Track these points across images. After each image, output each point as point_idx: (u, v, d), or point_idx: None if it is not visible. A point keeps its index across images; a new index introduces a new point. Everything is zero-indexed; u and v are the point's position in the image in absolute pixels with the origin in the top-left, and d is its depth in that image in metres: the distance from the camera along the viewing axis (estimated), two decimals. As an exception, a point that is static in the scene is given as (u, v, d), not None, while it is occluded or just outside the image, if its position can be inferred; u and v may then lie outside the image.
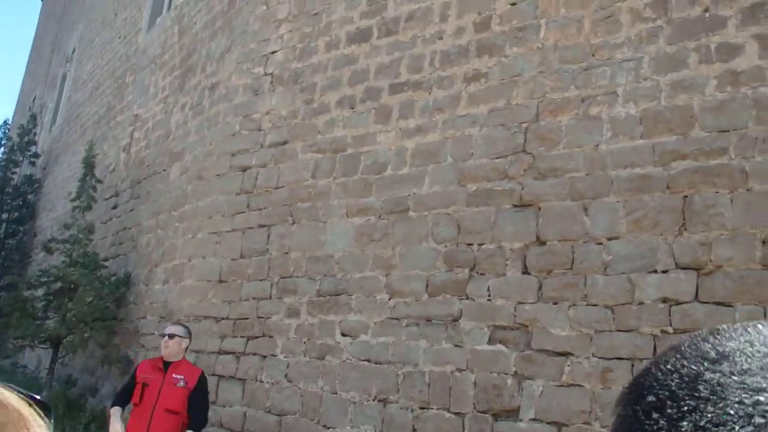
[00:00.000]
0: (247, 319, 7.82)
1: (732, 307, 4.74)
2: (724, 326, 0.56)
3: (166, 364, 5.52)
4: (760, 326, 0.55)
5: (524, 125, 6.09)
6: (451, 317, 6.11)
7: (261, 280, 7.80)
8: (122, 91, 14.85)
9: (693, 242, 4.96)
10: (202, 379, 5.60)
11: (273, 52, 8.66)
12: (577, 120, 5.78)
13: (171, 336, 5.56)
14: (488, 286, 5.96)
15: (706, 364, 0.51)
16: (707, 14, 5.31)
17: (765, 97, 4.90)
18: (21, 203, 21.17)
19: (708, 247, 4.89)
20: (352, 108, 7.51)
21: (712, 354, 0.52)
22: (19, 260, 20.52)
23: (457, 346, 6.01)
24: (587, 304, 5.37)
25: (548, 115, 5.97)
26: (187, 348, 5.75)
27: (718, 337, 0.54)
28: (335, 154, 7.51)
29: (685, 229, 5.01)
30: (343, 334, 6.88)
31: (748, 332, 0.54)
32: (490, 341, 5.81)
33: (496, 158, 6.18)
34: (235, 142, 8.70)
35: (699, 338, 0.55)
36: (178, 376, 5.45)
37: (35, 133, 22.41)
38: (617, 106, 5.57)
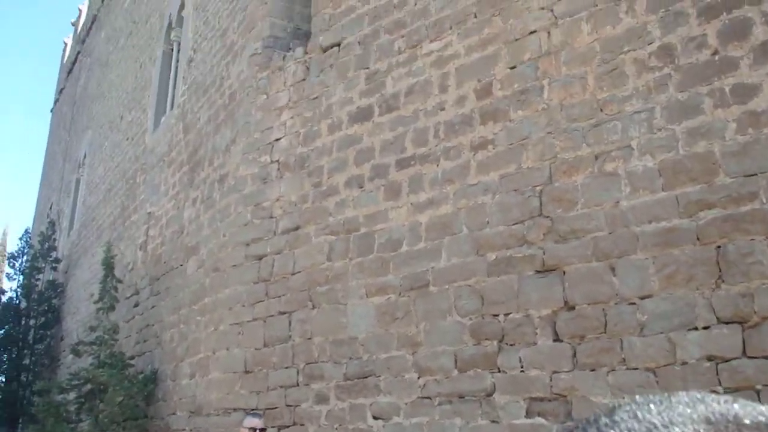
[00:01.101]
0: (276, 408, 7.61)
1: (783, 358, 4.46)
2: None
3: None
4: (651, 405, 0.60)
5: (538, 188, 5.92)
6: (485, 392, 5.85)
7: (286, 368, 7.61)
8: (134, 191, 14.92)
9: (733, 294, 4.70)
10: None
11: (277, 140, 8.63)
12: (593, 178, 5.60)
13: (262, 430, 5.71)
14: (520, 357, 5.71)
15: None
16: (717, 57, 5.17)
17: (789, 135, 4.72)
18: (46, 308, 21.31)
19: (750, 298, 4.63)
20: (361, 187, 7.40)
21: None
22: (49, 364, 20.54)
23: (493, 422, 5.73)
24: (627, 368, 5.10)
25: (562, 176, 5.80)
26: None
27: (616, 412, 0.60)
28: (349, 234, 7.37)
29: (723, 281, 4.76)
30: (374, 417, 6.64)
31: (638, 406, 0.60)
32: (528, 414, 5.54)
33: (513, 224, 6.00)
34: (248, 232, 8.60)
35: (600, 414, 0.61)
36: None
37: (55, 239, 22.68)
38: (633, 159, 5.40)
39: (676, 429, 0.55)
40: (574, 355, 5.38)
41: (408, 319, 6.57)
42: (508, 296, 5.87)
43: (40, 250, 22.13)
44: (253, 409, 7.35)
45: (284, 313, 7.80)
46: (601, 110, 5.73)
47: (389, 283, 6.83)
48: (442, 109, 6.90)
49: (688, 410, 0.58)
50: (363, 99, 7.75)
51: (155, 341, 11.57)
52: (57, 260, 22.23)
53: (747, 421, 0.57)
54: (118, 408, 10.96)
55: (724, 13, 5.22)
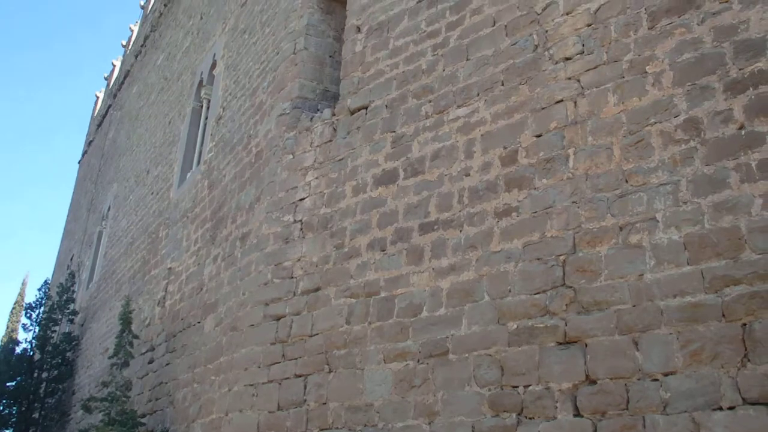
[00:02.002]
0: (288, 473, 7.43)
1: (810, 441, 4.32)
2: None
3: None
4: None
5: (561, 258, 5.87)
6: (502, 465, 5.69)
7: (300, 433, 7.46)
8: (156, 246, 15.00)
9: (759, 374, 4.58)
10: None
11: (301, 200, 8.67)
12: (617, 249, 5.55)
13: None
14: (539, 431, 5.56)
15: None
16: (743, 131, 5.16)
17: (817, 213, 4.66)
18: (60, 361, 21.18)
19: (776, 378, 4.51)
20: (383, 251, 7.38)
21: None
22: (58, 419, 20.36)
23: (510, 496, 5.57)
24: (649, 446, 4.95)
25: (586, 246, 5.75)
26: None
27: None
28: (369, 298, 7.31)
29: (749, 360, 4.64)
30: (389, 487, 6.46)
31: None
32: (547, 491, 5.38)
33: (536, 294, 5.93)
34: (268, 291, 8.57)
35: None
36: None
37: (73, 291, 22.72)
38: (658, 232, 5.35)
39: None
40: (595, 430, 5.23)
41: (426, 387, 6.45)
42: (528, 367, 5.76)
43: (58, 302, 22.13)
44: None
45: (300, 376, 7.70)
46: (627, 181, 5.71)
47: (408, 349, 6.74)
48: (467, 175, 6.91)
49: None
50: (388, 162, 7.79)
51: (168, 399, 11.45)
52: (74, 312, 22.20)
53: None
54: (127, 468, 10.83)
55: (751, 89, 5.25)
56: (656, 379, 5.02)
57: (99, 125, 29.98)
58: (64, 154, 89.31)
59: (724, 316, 4.83)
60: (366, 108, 8.43)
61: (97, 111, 32.38)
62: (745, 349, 4.67)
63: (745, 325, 4.72)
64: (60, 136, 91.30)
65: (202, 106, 15.47)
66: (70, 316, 22.19)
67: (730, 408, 4.65)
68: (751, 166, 5.05)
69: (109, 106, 28.53)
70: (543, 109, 6.54)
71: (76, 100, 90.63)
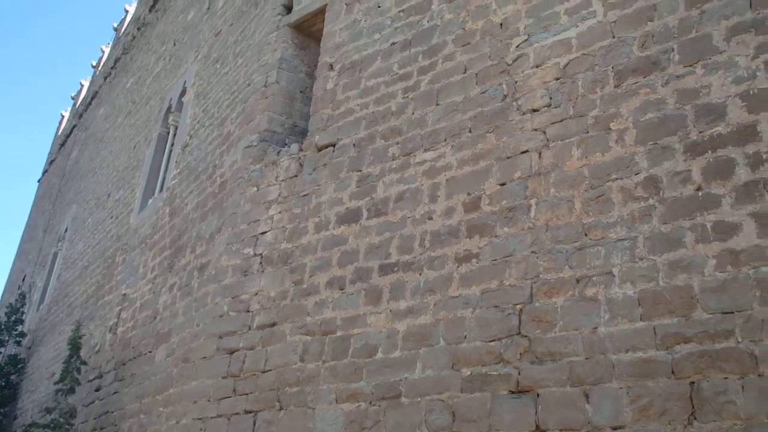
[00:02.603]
0: None
1: (751, 501, 4.37)
2: None
3: None
4: None
5: (518, 306, 5.91)
6: None
7: (247, 470, 7.33)
8: (111, 271, 14.77)
9: (705, 433, 4.65)
10: None
11: (263, 233, 8.64)
12: (573, 301, 5.61)
13: None
14: (487, 479, 5.56)
15: None
16: (700, 193, 5.29)
17: (768, 277, 4.76)
18: (3, 384, 20.60)
19: (721, 438, 4.57)
20: (342, 289, 7.37)
21: None
22: (-1, 443, 19.74)
23: None
24: (595, 499, 4.97)
25: (543, 296, 5.81)
26: None
27: None
28: (324, 336, 7.28)
29: (695, 419, 4.70)
30: None
31: None
32: None
33: (491, 341, 5.95)
34: (223, 324, 8.48)
35: None
36: None
37: (23, 312, 22.25)
38: (614, 286, 5.43)
39: None
40: (543, 481, 5.25)
41: (376, 430, 6.40)
42: (480, 414, 5.75)
43: (5, 323, 21.65)
44: None
45: (250, 411, 7.59)
46: (586, 234, 5.79)
47: (361, 390, 6.70)
48: (430, 219, 6.96)
49: None
50: (353, 201, 7.82)
51: (113, 429, 11.16)
52: (22, 334, 21.71)
53: None
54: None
55: (709, 152, 5.37)
56: (605, 433, 5.06)
57: (62, 145, 29.67)
58: (24, 173, 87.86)
59: (673, 373, 4.90)
60: (334, 145, 8.48)
61: (61, 130, 32.04)
62: (693, 407, 4.73)
63: (693, 383, 4.79)
64: (22, 152, 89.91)
65: (168, 133, 15.41)
66: (17, 338, 21.70)
67: (676, 465, 4.70)
68: (707, 227, 5.17)
69: (74, 126, 28.26)
70: (508, 158, 6.63)
71: (40, 117, 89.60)
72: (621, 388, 5.09)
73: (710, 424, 4.64)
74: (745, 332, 4.71)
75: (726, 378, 4.68)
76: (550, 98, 6.58)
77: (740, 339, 4.72)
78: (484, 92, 7.16)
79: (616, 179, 5.80)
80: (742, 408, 4.56)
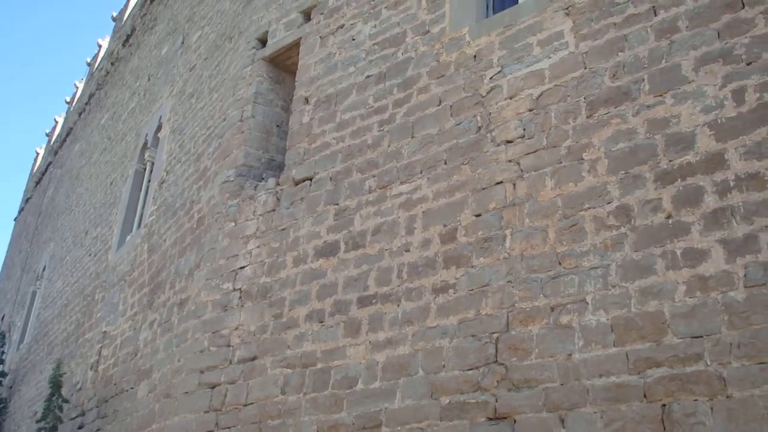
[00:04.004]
0: None
1: None
2: None
3: None
4: None
5: (495, 335, 6.01)
6: None
7: (230, 506, 7.34)
8: (91, 309, 14.71)
9: (677, 455, 4.75)
10: None
11: (242, 268, 8.69)
12: (548, 329, 5.72)
13: None
14: (469, 507, 5.62)
15: None
16: (670, 221, 5.43)
17: (735, 301, 4.90)
18: (-15, 426, 20.41)
19: (693, 459, 4.68)
20: (321, 322, 7.43)
21: None
22: (-21, 487, 19.47)
23: None
24: None
25: (518, 325, 5.91)
26: None
27: None
28: (305, 368, 7.33)
29: (667, 441, 4.82)
30: None
31: None
32: None
33: (468, 370, 6.04)
34: (204, 359, 8.50)
35: None
36: None
37: (3, 352, 22.05)
38: (587, 314, 5.55)
39: None
40: (523, 507, 5.32)
41: (358, 460, 6.46)
42: (459, 442, 5.84)
43: (-14, 364, 21.50)
44: None
45: (232, 445, 7.62)
46: (560, 263, 5.92)
47: (342, 420, 6.75)
48: (407, 251, 7.06)
49: None
50: (330, 234, 7.91)
51: (97, 466, 11.14)
52: (3, 374, 21.55)
53: None
54: None
55: (679, 180, 5.52)
56: (581, 458, 5.15)
57: (38, 182, 29.53)
58: (1, 211, 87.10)
59: (645, 396, 5.01)
60: (311, 179, 8.58)
61: (36, 168, 31.91)
62: (664, 429, 4.84)
63: (664, 405, 4.90)
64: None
65: (145, 169, 15.43)
66: (-2, 378, 21.55)
67: (650, 487, 4.79)
68: (677, 254, 5.30)
69: (49, 164, 28.16)
70: (483, 189, 6.76)
71: (15, 154, 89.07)
72: (595, 412, 5.19)
73: (682, 446, 4.75)
74: (714, 355, 4.84)
75: (696, 400, 4.80)
76: (524, 129, 6.73)
77: (709, 362, 4.84)
78: (458, 124, 7.30)
79: (589, 208, 5.94)
80: (711, 429, 4.67)
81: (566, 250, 5.93)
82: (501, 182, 6.67)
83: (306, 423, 7.04)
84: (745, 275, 4.94)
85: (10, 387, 20.78)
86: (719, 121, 5.51)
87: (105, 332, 13.07)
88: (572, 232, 5.97)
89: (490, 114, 7.09)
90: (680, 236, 5.35)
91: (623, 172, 5.87)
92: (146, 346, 10.64)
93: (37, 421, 12.89)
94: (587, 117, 6.33)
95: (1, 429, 20.12)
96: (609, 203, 5.84)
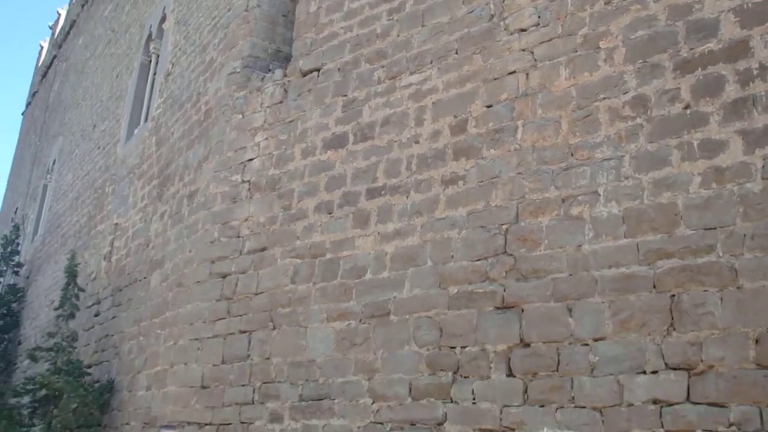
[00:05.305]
0: (230, 424, 7.57)
1: (726, 407, 4.56)
2: None
3: None
4: None
5: (504, 227, 6.01)
6: (436, 421, 5.90)
7: (243, 386, 7.59)
8: (102, 201, 14.80)
9: (683, 342, 4.81)
10: None
11: (250, 160, 8.65)
12: (558, 220, 5.71)
13: None
14: (473, 390, 5.76)
15: None
16: (688, 111, 5.31)
17: (751, 193, 4.84)
18: (5, 312, 20.99)
19: (698, 347, 4.74)
20: (330, 213, 7.45)
21: None
22: (4, 368, 20.21)
23: (442, 450, 5.77)
24: (575, 407, 5.18)
25: (528, 216, 5.90)
26: None
27: None
28: (314, 259, 7.40)
29: (674, 329, 4.87)
30: (327, 440, 6.63)
31: None
32: (478, 446, 5.58)
33: (477, 260, 6.07)
34: (214, 250, 8.58)
35: None
36: None
37: (18, 244, 22.44)
38: (599, 205, 5.51)
39: None
40: (526, 390, 5.45)
41: (366, 346, 6.60)
42: (466, 330, 5.93)
43: (2, 254, 21.92)
44: (165, 425, 7.23)
45: (244, 332, 7.78)
46: (572, 155, 5.84)
47: (350, 309, 6.86)
48: (417, 142, 6.99)
49: None
50: (338, 126, 7.82)
51: (113, 351, 11.47)
52: (19, 265, 22.06)
53: None
54: (72, 415, 10.96)
55: (699, 69, 5.36)
56: (586, 344, 5.23)
57: (43, 76, 29.19)
58: (7, 105, 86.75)
59: (654, 287, 5.03)
60: (318, 70, 8.42)
61: (41, 61, 31.48)
62: (672, 319, 4.89)
63: (673, 296, 4.93)
64: (2, 85, 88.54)
65: (150, 61, 15.16)
66: (14, 268, 22.05)
67: (653, 372, 4.88)
68: (693, 145, 5.21)
69: (54, 57, 27.74)
70: (495, 79, 6.62)
71: (20, 48, 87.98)
72: (603, 302, 5.24)
73: (688, 334, 4.80)
74: (727, 247, 4.83)
75: (706, 291, 4.82)
76: (539, 17, 6.51)
77: (721, 254, 4.84)
78: (470, 12, 7.08)
79: (604, 99, 5.81)
80: (720, 319, 4.72)
81: (579, 142, 5.84)
82: (513, 72, 6.51)
83: (315, 311, 7.16)
84: (763, 167, 4.86)
85: (27, 277, 21.23)
86: (745, 6, 5.28)
87: (116, 224, 13.20)
88: (586, 123, 5.86)
89: (503, 1, 6.86)
90: (698, 127, 5.24)
91: (641, 61, 5.71)
92: (157, 237, 10.75)
93: (55, 309, 13.20)
94: (605, 4, 6.10)
95: (20, 317, 20.69)
96: (625, 93, 5.70)
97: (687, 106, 5.35)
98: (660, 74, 5.56)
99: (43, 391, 11.91)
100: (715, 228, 4.92)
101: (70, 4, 27.84)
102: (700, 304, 4.81)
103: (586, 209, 5.59)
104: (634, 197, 5.37)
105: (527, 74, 6.41)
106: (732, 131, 5.07)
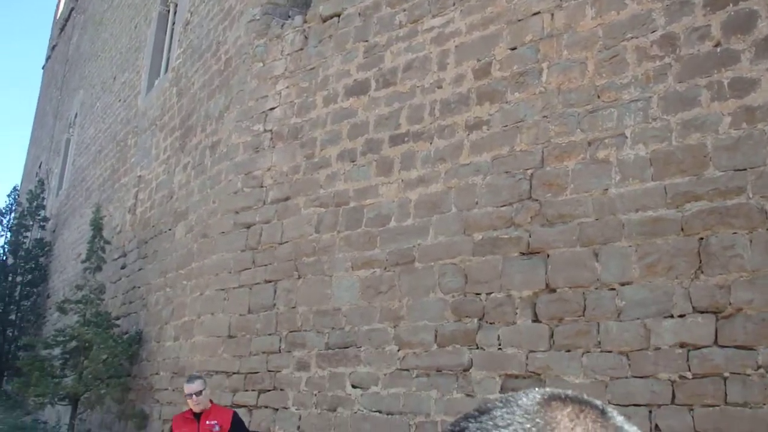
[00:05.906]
0: (257, 373, 7.70)
1: (754, 350, 4.53)
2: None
3: (197, 414, 5.71)
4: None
5: (529, 172, 5.94)
6: (462, 367, 5.94)
7: (269, 335, 7.69)
8: (125, 154, 14.86)
9: (710, 285, 4.76)
10: (236, 419, 5.83)
11: (271, 109, 8.59)
12: (584, 164, 5.62)
13: (198, 393, 5.68)
14: (498, 335, 5.77)
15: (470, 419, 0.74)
16: (719, 49, 5.16)
17: (782, 132, 4.73)
18: (33, 266, 21.44)
19: (726, 289, 4.69)
20: (353, 161, 7.40)
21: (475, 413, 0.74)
22: (35, 321, 20.73)
23: (468, 395, 5.82)
24: (601, 351, 5.18)
25: (554, 161, 5.82)
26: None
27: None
28: (338, 207, 7.38)
29: (702, 272, 4.81)
30: (353, 386, 6.75)
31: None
32: (503, 390, 5.63)
33: (502, 206, 6.02)
34: (238, 200, 8.60)
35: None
36: (212, 422, 5.66)
37: (43, 198, 22.70)
38: (626, 148, 5.42)
39: None
40: (552, 336, 5.45)
41: (392, 294, 6.61)
42: (491, 276, 5.91)
43: (28, 208, 22.22)
44: (192, 374, 7.28)
45: (270, 281, 7.84)
46: (599, 97, 5.73)
47: (375, 257, 6.86)
48: (440, 87, 6.89)
49: None
50: (360, 72, 7.72)
51: (141, 303, 11.64)
52: (45, 219, 22.36)
53: None
54: (102, 365, 11.27)
55: (731, 5, 5.18)
56: (613, 289, 5.20)
57: (62, 29, 29.12)
58: (28, 59, 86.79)
59: (682, 230, 4.97)
60: (338, 16, 8.28)
61: (59, 14, 31.36)
62: (700, 262, 4.83)
63: (702, 239, 4.87)
64: (21, 38, 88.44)
65: (168, 11, 15.04)
66: (41, 223, 22.38)
67: (681, 316, 4.85)
68: (723, 84, 5.08)
69: (72, 9, 27.62)
70: (519, 21, 6.47)
71: (38, 1, 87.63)
72: (630, 246, 5.18)
73: (716, 277, 4.75)
74: (757, 188, 4.74)
75: (735, 233, 4.75)
76: (562, -45, 6.33)
77: (751, 195, 4.75)
78: (492, -47, 6.90)
79: (632, 38, 5.66)
80: (748, 261, 4.65)
81: (605, 83, 5.72)
82: (538, 13, 6.35)
83: (340, 260, 7.17)
84: (795, 105, 4.74)
85: (53, 231, 21.51)
86: (777, -61, 5.10)
87: (140, 176, 13.26)
88: (612, 63, 5.73)
89: (526, -60, 6.67)
90: (728, 65, 5.09)
91: (669, -3, 5.53)
92: (181, 189, 10.78)
93: (82, 262, 13.39)
94: (632, -61, 5.91)
95: (48, 270, 21.02)
96: (653, 32, 5.54)
97: (717, 44, 5.19)
98: (689, 11, 5.39)
99: (73, 343, 12.20)
100: (745, 169, 4.83)
101: (86, -45, 27.58)
102: (729, 247, 4.74)
103: (612, 152, 5.50)
104: (661, 139, 5.26)
105: (552, 14, 6.25)
106: (764, 69, 4.93)
